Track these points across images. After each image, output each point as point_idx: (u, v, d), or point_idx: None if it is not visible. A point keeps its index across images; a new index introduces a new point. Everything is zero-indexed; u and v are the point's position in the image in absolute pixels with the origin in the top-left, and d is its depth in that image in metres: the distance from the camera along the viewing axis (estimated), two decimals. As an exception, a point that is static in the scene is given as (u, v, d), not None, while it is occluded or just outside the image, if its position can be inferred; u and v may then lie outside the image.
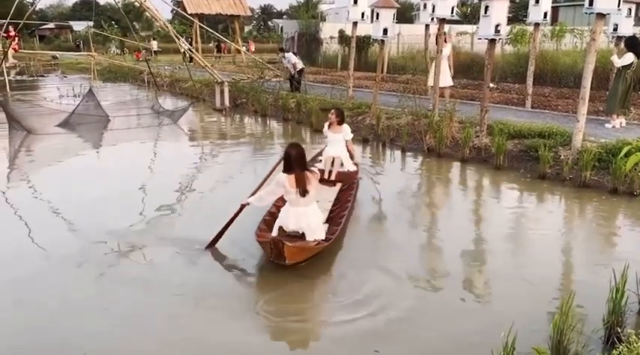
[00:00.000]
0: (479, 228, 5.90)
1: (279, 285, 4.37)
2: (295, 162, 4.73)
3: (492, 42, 8.48)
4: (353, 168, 7.08)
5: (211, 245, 5.00)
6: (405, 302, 4.06)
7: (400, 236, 5.59)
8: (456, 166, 8.37)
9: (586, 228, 5.93)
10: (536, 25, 10.97)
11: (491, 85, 12.49)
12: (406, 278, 4.47)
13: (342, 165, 7.00)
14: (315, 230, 4.80)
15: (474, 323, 3.79)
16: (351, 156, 7.12)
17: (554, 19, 24.23)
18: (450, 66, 11.27)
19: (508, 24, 9.14)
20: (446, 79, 10.82)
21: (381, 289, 4.29)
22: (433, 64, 10.92)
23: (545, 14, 10.56)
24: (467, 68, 17.51)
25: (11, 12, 14.04)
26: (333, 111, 7.20)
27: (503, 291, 4.27)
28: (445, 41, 10.53)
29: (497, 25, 8.04)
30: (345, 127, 7.15)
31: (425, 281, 4.45)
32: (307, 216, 4.79)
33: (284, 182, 4.72)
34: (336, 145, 7.09)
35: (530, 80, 11.27)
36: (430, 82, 11.16)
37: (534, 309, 3.91)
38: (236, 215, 5.06)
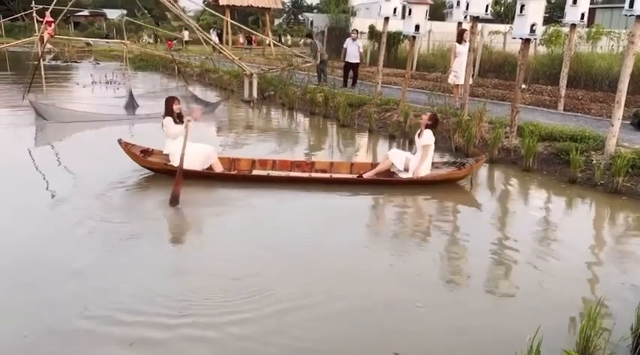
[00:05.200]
0: (505, 230, 5.82)
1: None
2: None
3: (527, 42, 8.33)
4: (405, 176, 6.85)
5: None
6: (426, 304, 4.03)
7: (421, 235, 5.56)
8: (483, 167, 8.25)
9: (616, 235, 5.79)
10: (573, 26, 10.72)
11: (523, 85, 12.28)
12: (426, 280, 4.44)
13: (397, 168, 6.95)
14: (175, 156, 6.61)
15: (498, 326, 3.75)
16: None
17: (591, 21, 23.59)
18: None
19: (542, 24, 8.94)
20: (462, 77, 10.57)
21: (397, 291, 4.28)
22: (454, 62, 10.81)
23: (583, 15, 10.31)
24: (498, 68, 17.27)
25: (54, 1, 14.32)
26: (427, 114, 7.08)
27: (528, 295, 4.20)
28: (465, 40, 10.43)
29: (532, 25, 7.89)
30: (424, 133, 6.85)
31: (447, 283, 4.42)
32: (166, 145, 6.97)
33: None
34: (398, 152, 7.13)
35: (563, 82, 11.03)
36: (450, 80, 11.07)
37: (560, 314, 3.86)
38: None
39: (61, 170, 7.84)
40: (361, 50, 15.02)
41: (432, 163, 7.07)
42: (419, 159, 6.88)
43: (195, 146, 6.81)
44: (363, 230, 5.59)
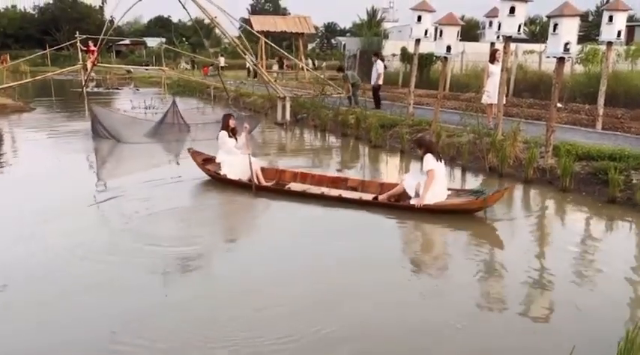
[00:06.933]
0: (542, 251, 5.70)
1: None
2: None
3: (561, 60, 8.23)
4: (413, 202, 6.56)
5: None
6: (461, 326, 3.98)
7: (457, 257, 5.51)
8: (518, 187, 8.13)
9: (659, 257, 5.59)
10: (609, 44, 10.55)
11: (559, 104, 12.07)
12: (459, 301, 4.40)
13: (406, 195, 6.74)
14: (224, 165, 7.85)
15: (533, 348, 3.68)
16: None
17: (630, 39, 23.14)
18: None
19: (579, 43, 8.84)
20: (496, 96, 10.41)
21: (433, 312, 4.24)
22: (487, 82, 10.76)
23: (619, 33, 10.13)
24: (534, 87, 17.03)
25: (103, 31, 15.22)
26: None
27: (564, 317, 4.12)
28: (497, 60, 10.38)
29: (566, 44, 7.80)
30: (424, 160, 6.62)
31: (483, 304, 4.37)
32: (219, 155, 8.06)
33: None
34: (412, 176, 6.91)
35: (601, 100, 10.80)
36: (483, 100, 11.00)
37: (597, 337, 3.75)
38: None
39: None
40: (379, 72, 15.19)
41: (452, 190, 6.85)
42: (424, 186, 6.55)
43: (244, 158, 7.67)
44: (383, 252, 5.53)
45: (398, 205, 6.78)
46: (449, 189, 6.82)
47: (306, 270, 4.96)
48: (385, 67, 17.19)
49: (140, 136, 11.96)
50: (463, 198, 6.71)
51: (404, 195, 6.84)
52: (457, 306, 4.26)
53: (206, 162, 8.26)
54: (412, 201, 6.63)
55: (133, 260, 5.09)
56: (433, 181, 6.50)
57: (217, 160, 8.00)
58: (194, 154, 8.34)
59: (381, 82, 15.41)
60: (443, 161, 6.80)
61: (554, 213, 7.19)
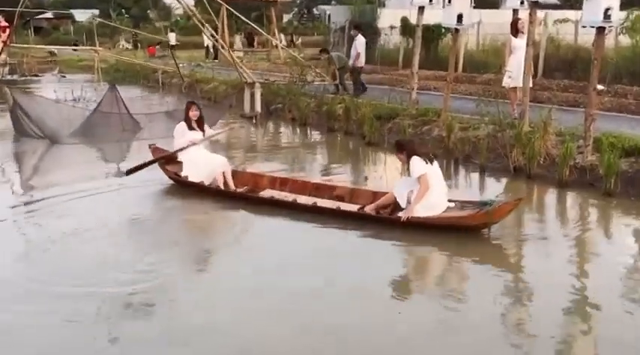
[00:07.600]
0: (583, 275, 5.75)
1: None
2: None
3: (601, 31, 8.34)
4: (400, 214, 6.59)
5: (132, 172, 8.16)
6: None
7: (481, 281, 5.54)
8: (551, 192, 8.22)
9: None
10: (661, 8, 10.74)
11: (600, 86, 12.23)
12: (489, 333, 4.47)
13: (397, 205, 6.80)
14: (186, 166, 8.06)
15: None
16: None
17: (688, 2, 23.54)
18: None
19: (624, 9, 8.91)
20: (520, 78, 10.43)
21: (455, 337, 4.27)
22: (509, 60, 10.82)
23: (673, -5, 10.32)
24: (568, 65, 17.22)
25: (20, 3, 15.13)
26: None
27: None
28: (522, 31, 10.47)
29: (607, 9, 7.89)
30: (410, 165, 6.67)
31: (509, 341, 4.42)
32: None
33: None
34: (404, 183, 6.95)
35: (652, 81, 10.99)
36: (505, 82, 11.03)
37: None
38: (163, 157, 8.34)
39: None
40: (359, 50, 15.18)
41: (456, 202, 6.80)
42: (416, 194, 6.57)
43: (210, 156, 8.22)
44: (363, 273, 5.62)
45: (383, 218, 6.85)
46: (451, 200, 6.77)
47: (282, 307, 4.96)
48: (367, 44, 17.00)
49: (75, 132, 12.09)
50: (464, 212, 6.64)
51: (396, 206, 6.86)
52: (476, 345, 4.29)
53: (169, 161, 8.45)
54: (401, 213, 6.64)
55: (58, 301, 5.03)
56: (427, 190, 6.50)
57: (179, 159, 8.17)
58: (155, 151, 8.57)
59: (361, 63, 15.42)
60: (436, 163, 6.82)
61: (597, 223, 7.26)
